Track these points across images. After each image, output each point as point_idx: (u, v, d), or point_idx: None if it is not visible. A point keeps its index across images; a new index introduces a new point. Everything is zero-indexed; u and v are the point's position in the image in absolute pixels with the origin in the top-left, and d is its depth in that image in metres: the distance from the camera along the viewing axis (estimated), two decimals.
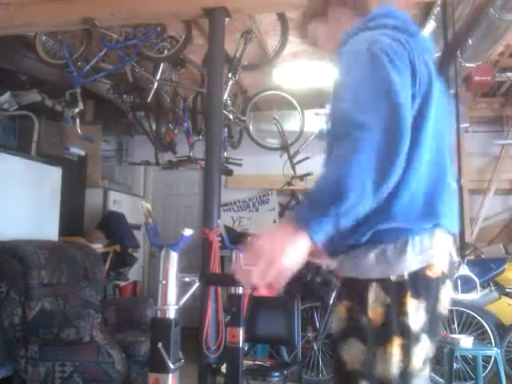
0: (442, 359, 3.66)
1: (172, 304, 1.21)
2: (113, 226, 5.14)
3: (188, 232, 1.22)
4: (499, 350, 3.42)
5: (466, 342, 3.25)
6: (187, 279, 1.21)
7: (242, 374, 1.97)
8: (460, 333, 3.93)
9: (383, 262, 1.18)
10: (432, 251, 1.19)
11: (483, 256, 5.29)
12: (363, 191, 1.04)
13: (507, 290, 4.33)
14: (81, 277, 3.84)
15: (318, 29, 1.47)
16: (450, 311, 4.09)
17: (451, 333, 3.94)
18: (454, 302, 4.03)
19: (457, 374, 3.87)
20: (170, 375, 1.17)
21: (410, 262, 1.17)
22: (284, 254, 1.04)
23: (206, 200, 3.09)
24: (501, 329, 4.03)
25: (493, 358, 3.64)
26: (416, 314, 1.17)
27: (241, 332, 1.89)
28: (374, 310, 1.17)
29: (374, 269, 1.18)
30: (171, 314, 1.20)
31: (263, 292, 3.09)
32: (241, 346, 1.90)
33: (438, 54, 4.02)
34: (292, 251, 1.05)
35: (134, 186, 6.59)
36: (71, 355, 3.09)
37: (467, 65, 4.11)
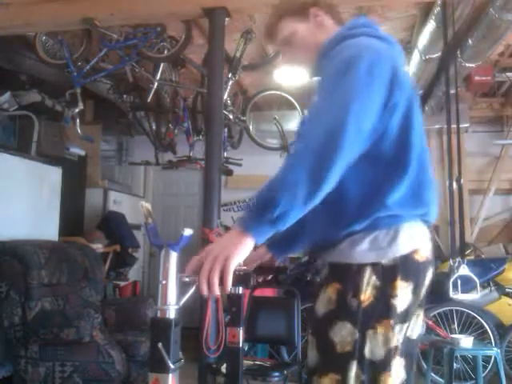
0: (441, 359, 3.66)
1: (172, 304, 1.20)
2: (113, 226, 5.14)
3: (188, 232, 1.22)
4: (499, 350, 3.42)
5: (465, 342, 3.25)
6: (187, 279, 1.21)
7: (242, 374, 1.96)
8: (460, 333, 3.93)
9: (376, 247, 1.25)
10: (419, 236, 1.29)
11: (483, 256, 5.29)
12: (293, 200, 1.13)
13: (507, 290, 4.33)
14: (81, 277, 3.84)
15: (292, 26, 1.49)
16: (450, 311, 4.10)
17: (451, 333, 3.94)
18: (454, 302, 4.03)
19: (457, 374, 3.88)
20: (170, 375, 1.16)
21: (401, 247, 1.25)
22: (229, 251, 1.14)
23: (206, 200, 3.09)
24: (501, 329, 4.03)
25: (493, 358, 3.64)
26: (403, 295, 1.25)
27: (241, 332, 1.88)
28: (365, 292, 1.23)
29: (368, 254, 1.25)
30: (171, 314, 1.20)
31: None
32: (241, 345, 1.89)
33: (438, 54, 4.02)
34: (237, 250, 1.14)
35: (134, 186, 6.59)
36: (71, 355, 3.09)
37: (467, 65, 4.11)
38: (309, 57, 1.47)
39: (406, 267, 1.25)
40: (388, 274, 1.24)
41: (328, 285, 1.29)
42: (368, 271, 1.24)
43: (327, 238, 1.33)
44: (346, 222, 1.27)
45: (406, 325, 1.28)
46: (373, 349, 1.23)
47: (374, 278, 1.24)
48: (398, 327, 1.25)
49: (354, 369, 1.22)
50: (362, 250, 1.26)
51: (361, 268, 1.25)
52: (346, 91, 1.20)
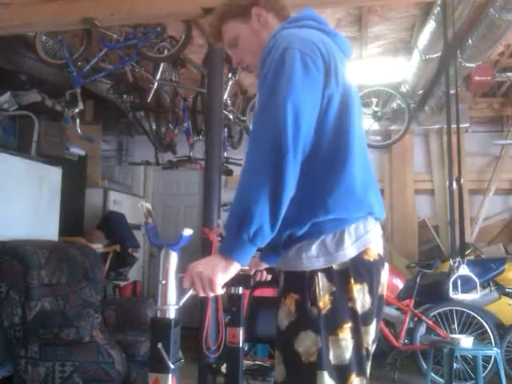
0: (441, 359, 3.66)
1: (172, 304, 1.20)
2: (113, 226, 5.14)
3: (188, 232, 1.22)
4: (499, 350, 3.42)
5: (466, 342, 3.25)
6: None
7: (242, 374, 1.97)
8: (460, 333, 3.93)
9: (324, 252, 1.24)
10: (366, 236, 1.27)
11: (483, 256, 5.29)
12: (264, 213, 1.13)
13: (507, 290, 4.33)
14: (81, 277, 3.84)
15: (235, 29, 1.46)
16: (450, 311, 4.10)
17: (451, 333, 3.94)
18: (454, 302, 4.03)
19: (457, 374, 3.88)
20: (170, 375, 1.17)
21: (349, 250, 1.24)
22: (213, 282, 1.16)
23: (206, 200, 3.09)
24: (501, 329, 4.03)
25: (493, 358, 3.64)
26: (361, 297, 1.24)
27: (241, 332, 1.89)
28: (323, 299, 1.23)
29: (317, 260, 1.24)
30: (171, 313, 1.20)
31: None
32: (241, 345, 1.90)
33: (438, 54, 4.02)
34: (223, 274, 1.16)
35: (134, 186, 6.58)
36: (71, 355, 3.09)
37: (467, 65, 4.11)
38: (256, 58, 1.42)
39: (358, 269, 1.25)
40: (341, 278, 1.24)
41: (286, 296, 1.29)
42: (321, 277, 1.24)
43: (271, 240, 1.30)
44: (285, 224, 1.22)
45: (371, 326, 1.28)
46: (337, 354, 1.22)
47: (328, 283, 1.23)
48: (362, 329, 1.25)
49: (322, 378, 1.21)
50: (311, 257, 1.25)
51: (313, 275, 1.24)
52: (282, 91, 1.17)
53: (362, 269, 1.25)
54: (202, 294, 1.18)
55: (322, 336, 1.22)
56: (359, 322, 1.24)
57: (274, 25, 1.43)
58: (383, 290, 1.34)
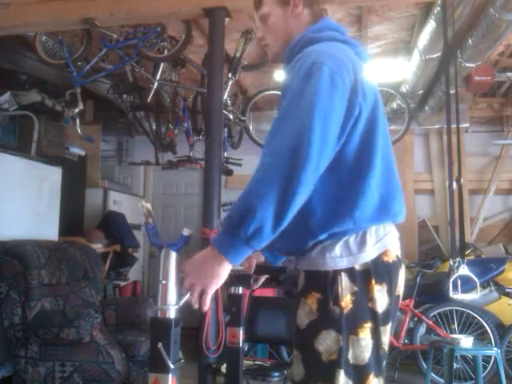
0: (441, 359, 3.66)
1: (172, 304, 1.21)
2: (113, 226, 5.14)
3: (188, 232, 1.22)
4: (499, 350, 3.42)
5: (466, 342, 3.25)
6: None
7: (242, 374, 1.96)
8: (460, 333, 3.93)
9: (348, 253, 1.26)
10: (386, 238, 1.30)
11: (483, 256, 5.29)
12: (265, 217, 1.12)
13: (507, 290, 4.33)
14: (81, 277, 3.84)
15: (271, 7, 1.47)
16: (450, 311, 4.10)
17: (451, 333, 3.94)
18: (454, 302, 4.03)
19: (457, 374, 3.88)
20: (170, 375, 1.17)
21: (371, 251, 1.27)
22: (205, 282, 1.17)
23: (206, 200, 3.09)
24: (501, 329, 4.03)
25: (493, 358, 3.64)
26: (380, 297, 1.26)
27: (241, 332, 1.89)
28: (345, 298, 1.24)
29: (340, 260, 1.26)
30: (171, 313, 1.20)
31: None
32: (241, 345, 1.89)
33: (438, 54, 4.02)
34: (213, 281, 1.18)
35: (134, 186, 6.59)
36: (71, 355, 3.09)
37: (467, 65, 4.11)
38: (276, 43, 1.47)
39: (378, 270, 1.27)
40: (362, 279, 1.25)
41: (307, 295, 1.29)
42: (344, 277, 1.25)
43: (295, 247, 1.34)
44: (311, 233, 1.26)
45: (388, 326, 1.29)
46: (357, 354, 1.24)
47: (350, 283, 1.25)
48: (381, 329, 1.27)
49: (340, 377, 1.22)
50: (335, 257, 1.26)
51: (336, 275, 1.25)
52: (308, 101, 1.18)
53: (382, 270, 1.27)
54: (196, 296, 1.19)
55: (343, 335, 1.23)
56: (379, 323, 1.26)
57: (304, 21, 1.44)
58: (400, 290, 1.36)
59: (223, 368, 2.59)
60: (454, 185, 3.89)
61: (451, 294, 3.69)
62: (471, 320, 4.03)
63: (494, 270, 4.18)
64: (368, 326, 1.24)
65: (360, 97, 1.25)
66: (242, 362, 1.94)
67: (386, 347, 1.29)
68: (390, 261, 1.29)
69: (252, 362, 3.05)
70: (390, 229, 1.33)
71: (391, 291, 1.29)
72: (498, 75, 4.97)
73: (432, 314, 4.09)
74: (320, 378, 1.25)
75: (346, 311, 1.24)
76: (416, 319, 4.15)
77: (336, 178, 1.25)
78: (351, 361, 1.23)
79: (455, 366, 3.74)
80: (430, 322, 4.05)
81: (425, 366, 3.88)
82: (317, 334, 1.25)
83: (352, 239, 1.27)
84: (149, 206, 1.28)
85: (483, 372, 3.69)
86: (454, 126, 3.84)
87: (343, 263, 1.26)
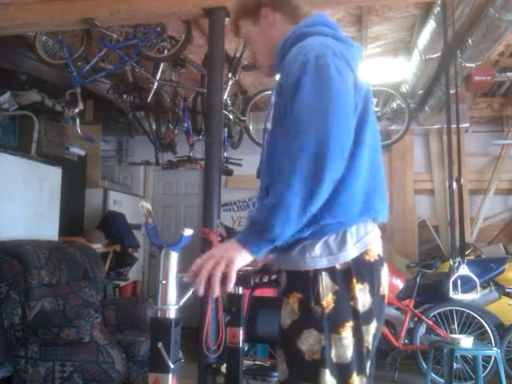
0: (441, 359, 3.66)
1: (172, 304, 1.21)
2: (113, 226, 5.14)
3: (188, 232, 1.22)
4: (499, 350, 3.42)
5: (466, 342, 3.25)
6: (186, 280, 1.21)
7: (242, 374, 1.97)
8: (460, 333, 3.93)
9: (328, 252, 1.27)
10: (367, 237, 1.30)
11: (483, 256, 5.29)
12: (287, 223, 1.17)
13: (507, 290, 4.33)
14: (81, 277, 3.84)
15: (247, 27, 1.50)
16: (450, 311, 4.10)
17: (451, 333, 3.94)
18: (454, 302, 4.03)
19: (457, 373, 3.88)
20: (170, 375, 1.17)
21: (351, 250, 1.27)
22: (232, 254, 1.19)
23: (206, 200, 3.09)
24: (501, 329, 4.03)
25: (493, 358, 3.64)
26: (362, 296, 1.26)
27: (241, 332, 1.89)
28: (326, 298, 1.25)
29: (320, 260, 1.26)
30: (171, 313, 1.20)
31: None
32: (241, 345, 1.90)
33: (438, 54, 4.02)
34: (239, 256, 1.19)
35: (134, 186, 6.59)
36: (71, 355, 3.09)
37: (467, 65, 4.11)
38: (264, 57, 1.49)
39: (359, 269, 1.27)
40: (343, 278, 1.26)
41: (289, 295, 1.30)
42: (324, 276, 1.26)
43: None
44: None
45: (371, 325, 1.29)
46: (339, 353, 1.24)
47: (331, 282, 1.25)
48: (363, 328, 1.27)
49: (326, 377, 1.23)
50: (315, 257, 1.27)
51: (317, 274, 1.26)
52: (326, 102, 1.19)
53: (364, 269, 1.28)
54: (202, 289, 1.16)
55: (325, 334, 1.24)
56: (360, 321, 1.26)
57: (283, 25, 1.45)
58: (384, 289, 1.35)
59: (223, 368, 2.59)
60: (454, 185, 3.89)
61: (451, 294, 3.69)
62: (471, 320, 4.03)
63: (494, 270, 4.18)
64: (349, 324, 1.25)
65: (356, 91, 1.26)
66: (242, 362, 1.94)
67: (370, 346, 1.29)
68: (372, 260, 1.29)
69: (252, 362, 3.05)
70: (371, 228, 1.32)
71: (373, 290, 1.29)
72: (498, 75, 4.97)
73: (432, 314, 4.09)
74: (303, 378, 1.26)
75: (327, 310, 1.24)
76: (416, 319, 4.15)
77: None
78: (334, 360, 1.24)
79: (455, 365, 3.74)
80: (430, 322, 4.05)
81: (425, 366, 3.88)
82: (299, 334, 1.26)
83: (332, 239, 1.27)
84: (149, 206, 1.28)
85: (483, 372, 3.69)
86: (453, 125, 3.84)
87: (323, 263, 1.26)
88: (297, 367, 1.27)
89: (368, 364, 1.29)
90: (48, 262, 3.45)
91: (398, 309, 4.26)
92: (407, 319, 4.12)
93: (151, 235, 1.27)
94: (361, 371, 1.26)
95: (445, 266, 4.55)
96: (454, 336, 3.42)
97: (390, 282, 4.56)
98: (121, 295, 5.25)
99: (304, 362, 1.25)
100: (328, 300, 1.24)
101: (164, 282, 1.21)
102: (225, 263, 1.17)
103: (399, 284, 4.38)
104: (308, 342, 1.24)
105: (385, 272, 1.35)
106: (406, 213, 6.01)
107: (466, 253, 4.64)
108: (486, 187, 5.95)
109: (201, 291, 1.16)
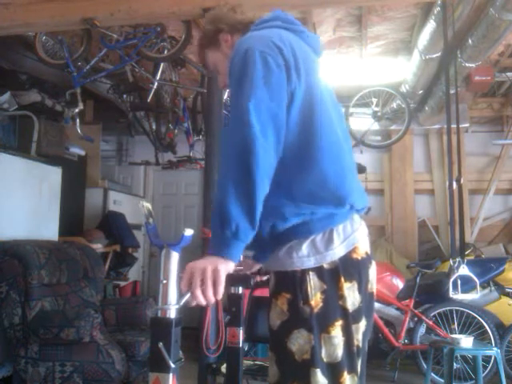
0: (441, 359, 3.66)
1: (172, 304, 1.21)
2: (113, 226, 5.14)
3: (189, 232, 1.22)
4: (499, 350, 3.42)
5: (465, 342, 3.25)
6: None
7: (242, 374, 1.97)
8: (460, 333, 3.93)
9: (315, 252, 1.26)
10: (354, 235, 1.29)
11: (483, 256, 5.29)
12: (239, 210, 1.15)
13: (507, 290, 4.33)
14: (81, 277, 3.84)
15: (212, 55, 1.55)
16: (450, 311, 4.10)
17: (451, 333, 3.94)
18: (454, 302, 4.03)
19: (457, 373, 3.88)
20: (171, 375, 1.17)
21: (338, 249, 1.26)
22: (216, 263, 1.16)
23: (206, 200, 3.09)
24: (501, 329, 4.03)
25: (493, 358, 3.64)
26: (351, 295, 1.26)
27: (241, 332, 1.89)
28: (314, 297, 1.24)
29: (307, 259, 1.26)
30: (172, 313, 1.20)
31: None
32: (241, 345, 1.90)
33: (438, 54, 4.02)
34: (222, 265, 1.16)
35: (134, 186, 6.59)
36: (71, 355, 3.09)
37: (467, 65, 4.11)
38: None
39: (347, 267, 1.27)
40: (331, 277, 1.26)
41: (277, 296, 1.30)
42: (312, 276, 1.25)
43: (256, 236, 1.32)
44: (266, 216, 1.24)
45: (361, 323, 1.29)
46: (330, 352, 1.24)
47: (319, 282, 1.25)
48: (353, 327, 1.27)
49: (317, 376, 1.22)
50: (302, 256, 1.26)
51: (305, 274, 1.26)
52: (245, 90, 1.21)
53: (351, 267, 1.28)
54: (199, 298, 1.16)
55: (314, 334, 1.24)
56: (350, 320, 1.26)
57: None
58: (372, 287, 1.35)
59: (223, 368, 2.59)
60: (454, 185, 3.89)
61: (451, 294, 3.69)
62: (471, 320, 4.03)
63: (494, 270, 4.17)
64: (339, 323, 1.25)
65: (293, 75, 1.26)
66: (242, 362, 1.94)
67: (360, 344, 1.29)
68: (359, 258, 1.29)
69: (252, 362, 3.05)
70: (357, 225, 1.32)
71: (362, 288, 1.29)
72: (498, 75, 4.97)
73: (432, 314, 4.10)
74: (294, 378, 1.25)
75: (316, 310, 1.24)
76: (416, 319, 4.15)
77: (282, 162, 1.24)
78: (325, 359, 1.24)
79: (455, 365, 3.74)
80: (430, 322, 4.05)
81: (425, 366, 3.88)
82: (289, 334, 1.26)
83: (319, 238, 1.27)
84: (149, 205, 1.28)
85: (483, 372, 3.69)
86: (454, 125, 3.84)
87: (310, 262, 1.26)
88: (287, 368, 1.27)
89: (359, 362, 1.29)
90: (48, 262, 3.45)
91: (398, 309, 4.26)
92: (407, 319, 4.12)
93: (151, 235, 1.27)
94: (351, 370, 1.26)
95: (445, 266, 4.55)
96: (454, 336, 3.42)
97: (389, 281, 4.57)
98: (121, 295, 5.25)
99: (294, 363, 1.25)
100: (316, 299, 1.24)
101: (165, 281, 1.21)
102: (211, 275, 1.16)
103: (399, 284, 4.38)
104: (298, 342, 1.24)
105: (373, 269, 1.36)
106: (406, 213, 6.01)
107: (466, 253, 4.64)
108: (486, 187, 5.95)
109: (201, 302, 1.16)
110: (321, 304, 1.24)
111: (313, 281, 1.25)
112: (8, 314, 3.18)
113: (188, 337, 2.40)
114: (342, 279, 1.26)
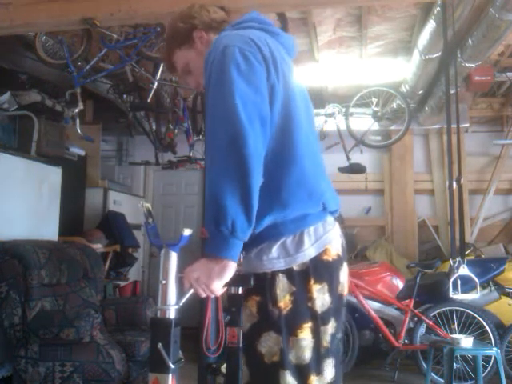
0: (441, 359, 3.66)
1: (172, 304, 1.21)
2: (113, 226, 5.14)
3: (187, 232, 1.22)
4: (499, 350, 3.42)
5: (465, 341, 3.25)
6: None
7: (242, 374, 1.96)
8: (460, 333, 3.92)
9: (285, 254, 1.25)
10: (325, 237, 1.29)
11: (483, 256, 5.29)
12: (235, 205, 1.13)
13: (507, 290, 4.33)
14: (81, 277, 3.84)
15: (185, 55, 1.51)
16: (450, 311, 4.10)
17: (451, 333, 3.94)
18: (454, 302, 4.03)
19: (457, 373, 3.87)
20: (170, 375, 1.17)
21: (309, 251, 1.26)
22: (212, 280, 1.18)
23: None
24: (501, 329, 4.03)
25: (493, 358, 3.64)
26: (321, 297, 1.26)
27: (241, 332, 1.89)
28: (283, 299, 1.24)
29: (277, 261, 1.26)
30: (171, 313, 1.20)
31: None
32: (241, 345, 1.89)
33: (438, 54, 4.02)
34: (219, 279, 1.18)
35: (134, 186, 6.58)
36: (71, 355, 3.09)
37: (467, 65, 4.11)
38: None
39: (317, 269, 1.26)
40: (301, 279, 1.25)
41: (247, 299, 1.31)
42: (282, 278, 1.25)
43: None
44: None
45: (329, 325, 1.29)
46: (298, 354, 1.24)
47: (288, 284, 1.25)
48: (322, 328, 1.27)
49: (284, 378, 1.23)
50: (272, 258, 1.26)
51: (274, 276, 1.26)
52: (227, 86, 1.19)
53: (322, 269, 1.27)
54: (203, 295, 1.20)
55: (283, 336, 1.24)
56: (319, 322, 1.26)
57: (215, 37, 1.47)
58: (343, 289, 1.35)
59: (223, 368, 2.59)
60: (454, 185, 3.89)
61: (451, 294, 3.68)
62: (471, 320, 4.03)
63: (494, 270, 4.17)
64: (308, 325, 1.25)
65: (272, 72, 1.26)
66: (242, 362, 1.93)
67: (329, 346, 1.28)
68: (330, 259, 1.29)
69: None
70: (330, 227, 1.31)
71: (332, 290, 1.28)
72: (498, 75, 4.97)
73: (432, 314, 4.09)
74: (264, 380, 1.26)
75: (284, 312, 1.24)
76: (416, 319, 4.15)
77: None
78: (293, 361, 1.24)
79: (455, 365, 3.73)
80: (430, 322, 4.05)
81: (425, 366, 3.88)
82: (258, 337, 1.27)
83: (289, 240, 1.26)
84: (149, 205, 1.28)
85: (483, 372, 3.68)
86: (453, 125, 3.83)
87: (281, 264, 1.25)
88: (257, 370, 1.28)
89: (330, 363, 1.28)
90: (48, 262, 3.45)
91: (397, 309, 4.26)
92: (407, 319, 4.12)
93: (151, 235, 1.27)
94: (319, 372, 1.26)
95: (445, 266, 4.54)
96: (453, 336, 3.42)
97: (389, 281, 4.57)
98: (121, 295, 5.24)
99: (264, 365, 1.26)
100: (285, 301, 1.24)
101: (164, 281, 1.21)
102: (207, 292, 1.18)
103: (399, 284, 4.38)
104: (267, 344, 1.25)
105: (344, 271, 1.35)
106: (406, 213, 6.01)
107: (466, 253, 4.64)
108: (485, 187, 5.95)
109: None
110: (290, 306, 1.24)
111: (282, 283, 1.25)
112: (8, 314, 3.18)
113: (188, 337, 2.40)
114: (312, 281, 1.25)
